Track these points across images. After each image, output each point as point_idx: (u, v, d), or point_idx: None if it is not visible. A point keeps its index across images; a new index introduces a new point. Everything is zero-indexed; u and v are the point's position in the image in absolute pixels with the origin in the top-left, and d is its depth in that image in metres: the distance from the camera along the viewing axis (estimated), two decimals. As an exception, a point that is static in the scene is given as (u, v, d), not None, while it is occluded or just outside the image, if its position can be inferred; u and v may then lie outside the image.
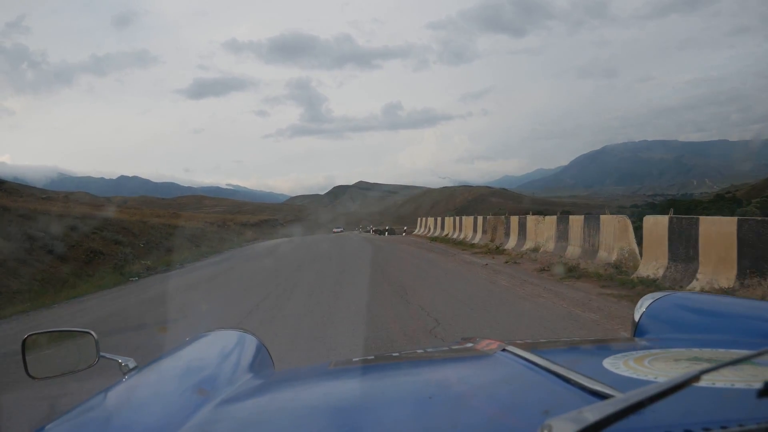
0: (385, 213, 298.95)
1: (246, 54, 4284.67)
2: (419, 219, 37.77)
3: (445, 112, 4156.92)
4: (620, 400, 0.52)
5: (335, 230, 71.48)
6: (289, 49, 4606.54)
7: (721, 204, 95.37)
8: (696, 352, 1.14)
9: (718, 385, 0.80)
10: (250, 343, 1.51)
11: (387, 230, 52.46)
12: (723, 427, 0.60)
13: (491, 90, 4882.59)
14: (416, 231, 35.83)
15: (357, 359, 1.43)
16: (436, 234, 29.53)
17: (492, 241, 20.39)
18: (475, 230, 23.35)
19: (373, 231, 54.84)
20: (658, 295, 1.77)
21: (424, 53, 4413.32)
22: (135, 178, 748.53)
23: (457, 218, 27.68)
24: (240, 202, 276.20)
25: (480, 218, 23.41)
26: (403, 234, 39.94)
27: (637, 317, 1.69)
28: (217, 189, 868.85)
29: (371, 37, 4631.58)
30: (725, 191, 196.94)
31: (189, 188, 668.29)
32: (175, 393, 1.13)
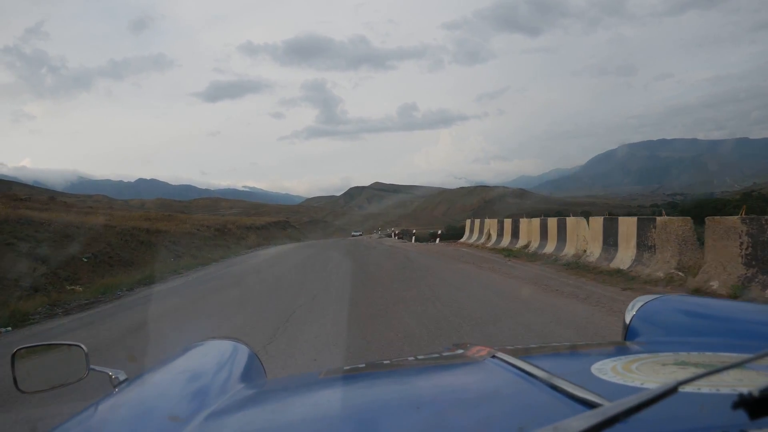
0: (402, 214, 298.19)
1: (261, 56, 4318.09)
2: (468, 221, 25.50)
3: (461, 112, 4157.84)
4: (598, 412, 0.52)
5: (354, 234, 69.07)
6: (304, 50, 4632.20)
7: (751, 203, 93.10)
8: (684, 356, 1.14)
9: (704, 390, 0.81)
10: (243, 353, 1.50)
11: (413, 234, 45.19)
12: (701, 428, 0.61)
13: (507, 90, 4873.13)
14: (465, 238, 24.34)
15: (348, 368, 1.42)
16: (504, 244, 18.52)
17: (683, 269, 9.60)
18: (611, 243, 11.81)
19: (396, 235, 45.89)
20: (649, 297, 1.77)
21: (438, 53, 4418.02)
22: (153, 180, 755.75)
23: (545, 221, 16.19)
24: (256, 203, 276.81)
25: (598, 220, 12.71)
26: (437, 240, 29.62)
27: (628, 319, 1.69)
28: (234, 191, 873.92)
29: (386, 38, 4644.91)
30: (750, 189, 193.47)
31: (206, 190, 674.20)
32: (166, 405, 1.12)
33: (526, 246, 16.71)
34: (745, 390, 0.54)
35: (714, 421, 0.65)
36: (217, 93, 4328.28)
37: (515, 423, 0.76)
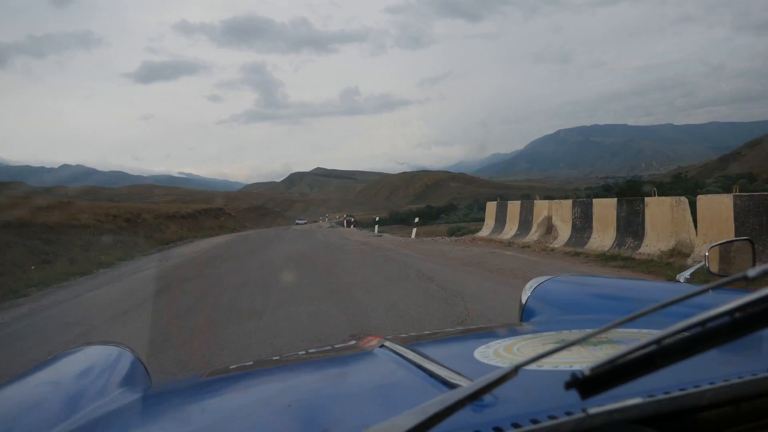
0: (344, 200, 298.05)
1: (198, 36, 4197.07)
2: (493, 205, 17.50)
3: (403, 97, 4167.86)
4: (437, 402, 0.52)
5: (298, 222, 64.39)
6: (243, 31, 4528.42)
7: (684, 184, 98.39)
8: (565, 334, 1.19)
9: (561, 368, 0.84)
10: (125, 357, 1.43)
11: (353, 221, 44.00)
12: (550, 417, 0.63)
13: (448, 75, 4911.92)
14: (487, 231, 16.88)
15: (234, 366, 1.42)
16: (603, 245, 10.92)
17: None
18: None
19: (352, 224, 42.45)
20: (544, 277, 1.81)
21: (381, 37, 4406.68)
22: (79, 167, 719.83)
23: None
24: (193, 190, 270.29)
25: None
26: (413, 233, 22.42)
27: (524, 299, 1.71)
28: (169, 178, 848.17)
29: (328, 20, 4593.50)
30: (677, 172, 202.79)
31: (139, 177, 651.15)
32: (33, 413, 1.06)
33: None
34: (578, 368, 0.56)
35: (553, 401, 0.66)
36: (150, 74, 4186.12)
37: (382, 412, 0.79)
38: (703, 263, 1.84)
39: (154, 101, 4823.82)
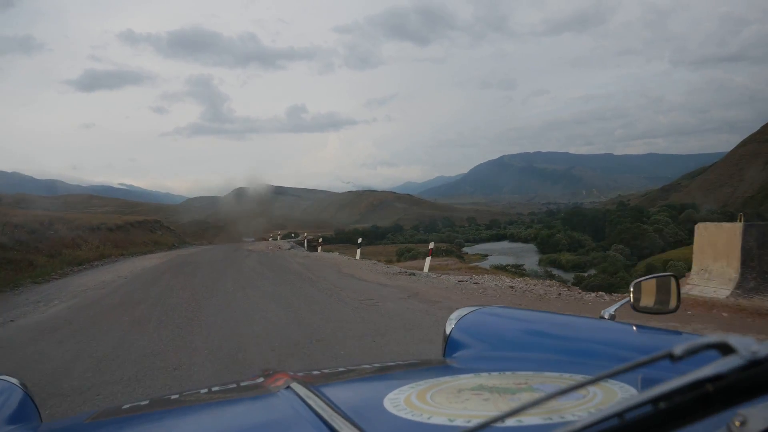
0: (289, 217, 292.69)
1: (143, 46, 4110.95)
2: (718, 231, 8.79)
3: (350, 116, 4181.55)
4: None
5: (245, 240, 58.77)
6: (190, 44, 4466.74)
7: (630, 213, 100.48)
8: (484, 378, 1.14)
9: (457, 423, 0.82)
10: (14, 393, 1.33)
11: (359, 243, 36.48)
12: None
13: (396, 96, 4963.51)
14: (700, 276, 8.85)
15: (126, 407, 1.30)
16: None
17: None
18: None
19: (318, 244, 32.83)
20: (470, 308, 1.78)
21: (329, 56, 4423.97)
22: (14, 174, 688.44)
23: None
24: (133, 202, 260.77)
25: None
26: (426, 265, 15.51)
27: (448, 331, 1.69)
28: (109, 188, 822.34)
29: (276, 36, 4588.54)
30: (620, 200, 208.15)
31: (77, 187, 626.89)
32: None
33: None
34: None
35: None
36: (93, 82, 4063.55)
37: None
38: (626, 299, 1.83)
39: (96, 110, 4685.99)
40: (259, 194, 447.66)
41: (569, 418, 0.56)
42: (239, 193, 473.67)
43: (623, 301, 1.84)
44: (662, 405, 0.49)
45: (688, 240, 78.50)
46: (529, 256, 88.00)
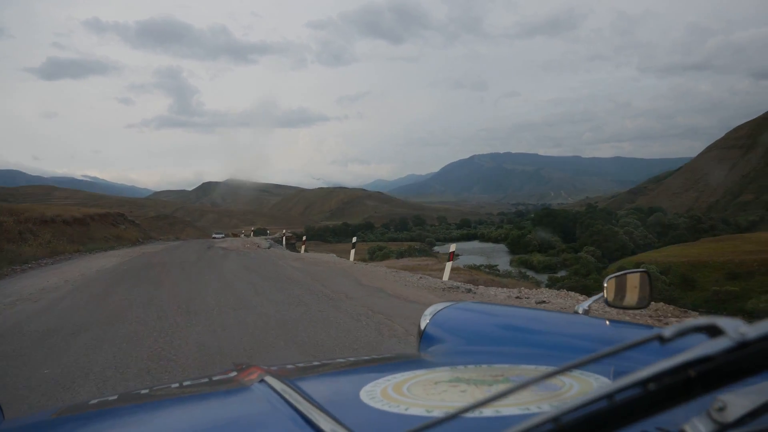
0: (258, 213, 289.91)
1: (110, 35, 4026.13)
2: None
3: (321, 113, 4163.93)
4: None
5: (215, 236, 54.58)
6: (160, 34, 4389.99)
7: (600, 215, 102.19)
8: (460, 370, 1.13)
9: (435, 414, 0.81)
10: None
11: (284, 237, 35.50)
12: None
13: (368, 94, 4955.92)
14: None
15: (93, 402, 1.27)
16: None
17: None
18: None
19: (296, 241, 33.54)
20: (444, 303, 1.79)
21: (302, 52, 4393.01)
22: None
23: None
24: (96, 194, 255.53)
25: None
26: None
27: (423, 326, 1.70)
28: (71, 180, 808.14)
29: (248, 30, 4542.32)
30: (588, 203, 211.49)
31: (38, 178, 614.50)
32: None
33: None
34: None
35: None
36: (56, 70, 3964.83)
37: None
38: (601, 294, 1.86)
39: (59, 99, 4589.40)
40: (227, 189, 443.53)
41: (546, 408, 0.54)
42: (206, 188, 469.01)
43: (597, 296, 1.87)
44: (652, 386, 0.48)
45: (657, 243, 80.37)
46: (499, 257, 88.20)
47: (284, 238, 34.92)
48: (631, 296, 1.90)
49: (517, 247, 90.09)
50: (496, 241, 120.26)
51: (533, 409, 0.79)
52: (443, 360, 1.33)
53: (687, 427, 0.56)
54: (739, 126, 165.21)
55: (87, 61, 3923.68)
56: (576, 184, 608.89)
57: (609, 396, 0.48)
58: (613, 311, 1.96)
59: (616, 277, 1.90)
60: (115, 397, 1.27)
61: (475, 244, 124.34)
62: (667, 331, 0.49)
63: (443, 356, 1.43)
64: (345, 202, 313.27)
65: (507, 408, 0.80)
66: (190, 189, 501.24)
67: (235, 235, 58.12)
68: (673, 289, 42.29)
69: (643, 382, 0.48)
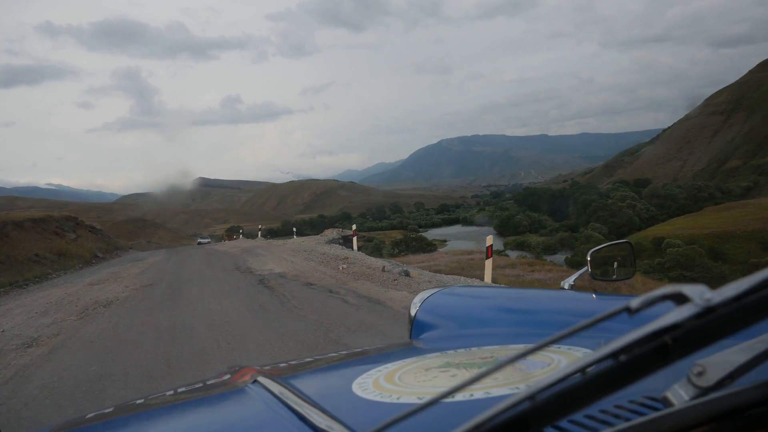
0: (231, 210, 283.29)
1: (64, 39, 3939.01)
2: None
3: (286, 106, 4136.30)
4: None
5: (201, 241, 48.75)
6: (115, 35, 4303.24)
7: (586, 190, 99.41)
8: (450, 355, 1.14)
9: (458, 398, 0.81)
10: None
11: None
12: None
13: (332, 84, 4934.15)
14: None
15: (90, 415, 1.26)
16: None
17: None
18: None
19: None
20: (432, 290, 1.79)
21: (263, 45, 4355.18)
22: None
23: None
24: (62, 202, 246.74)
25: None
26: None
27: (413, 313, 1.70)
28: (35, 189, 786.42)
29: (206, 26, 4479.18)
30: (560, 180, 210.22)
31: (1, 189, 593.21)
32: None
33: None
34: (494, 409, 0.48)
35: None
36: (11, 78, 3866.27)
37: None
38: (585, 268, 1.86)
39: (17, 107, 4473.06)
40: (196, 189, 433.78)
41: (524, 391, 0.53)
42: (175, 189, 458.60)
43: (581, 270, 1.85)
44: (623, 358, 0.48)
45: (660, 215, 77.93)
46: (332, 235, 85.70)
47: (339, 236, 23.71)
48: (616, 268, 1.91)
49: (506, 228, 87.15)
50: (480, 224, 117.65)
51: (522, 387, 0.79)
52: (435, 346, 1.34)
53: (669, 394, 0.57)
54: (717, 92, 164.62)
55: (42, 66, 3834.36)
56: (545, 162, 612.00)
57: (582, 370, 0.48)
58: (600, 283, 1.89)
59: (598, 249, 1.90)
60: (111, 409, 1.28)
61: (459, 228, 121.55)
62: (635, 302, 0.49)
63: (435, 342, 1.42)
64: (317, 194, 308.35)
65: (497, 389, 0.81)
66: (157, 191, 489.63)
67: (229, 238, 48.25)
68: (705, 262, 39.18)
69: (614, 354, 0.48)
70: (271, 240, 31.78)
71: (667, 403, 0.58)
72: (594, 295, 1.49)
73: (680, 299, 0.49)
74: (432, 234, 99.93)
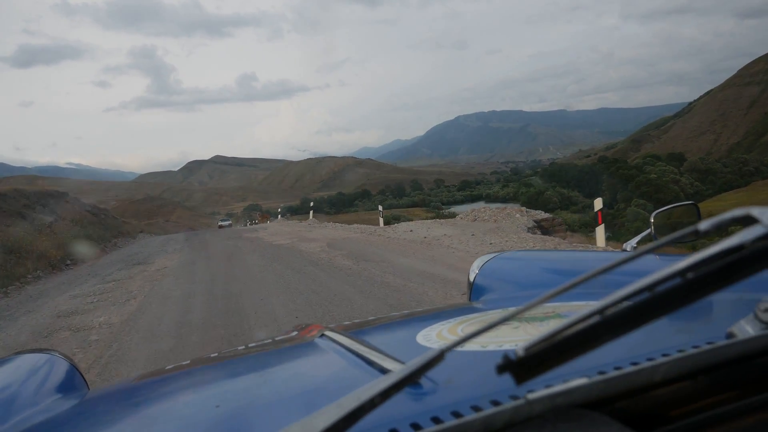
0: (248, 188, 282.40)
1: (80, 18, 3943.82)
2: None
3: (302, 83, 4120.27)
4: (351, 398, 0.47)
5: (222, 223, 46.36)
6: (131, 13, 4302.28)
7: (617, 164, 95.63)
8: (511, 311, 1.05)
9: (490, 348, 0.81)
10: (59, 364, 1.37)
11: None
12: (493, 402, 0.58)
13: (347, 61, 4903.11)
14: None
15: (170, 367, 1.33)
16: None
17: None
18: None
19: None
20: (491, 254, 1.81)
21: (278, 21, 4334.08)
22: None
23: None
24: (82, 181, 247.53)
25: None
26: None
27: (471, 278, 1.71)
28: (56, 168, 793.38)
29: (221, 2, 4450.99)
30: (584, 154, 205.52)
31: (22, 168, 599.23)
32: None
33: None
34: (510, 349, 0.50)
35: (485, 387, 0.60)
36: (29, 58, 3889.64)
37: (312, 406, 0.65)
38: (649, 230, 1.81)
39: (35, 87, 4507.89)
40: (213, 167, 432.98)
41: (593, 307, 0.55)
42: (192, 167, 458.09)
43: (645, 233, 1.81)
44: (690, 275, 0.49)
45: (706, 191, 74.66)
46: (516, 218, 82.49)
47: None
48: (681, 230, 1.75)
49: (534, 205, 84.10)
50: (504, 200, 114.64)
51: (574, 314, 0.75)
52: (495, 305, 1.36)
53: (734, 329, 0.57)
54: (752, 62, 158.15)
55: (59, 45, 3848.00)
56: (563, 138, 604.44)
57: (650, 287, 0.49)
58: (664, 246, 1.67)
59: (663, 210, 1.85)
60: (188, 362, 1.33)
61: (483, 205, 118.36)
62: (704, 225, 0.50)
63: (493, 303, 1.43)
64: (335, 171, 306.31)
65: (508, 343, 0.83)
66: (175, 169, 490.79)
67: (263, 219, 43.18)
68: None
69: (682, 272, 0.49)
70: (321, 221, 23.70)
71: (732, 337, 0.59)
72: (657, 257, 1.46)
73: (749, 221, 0.50)
74: (456, 211, 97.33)
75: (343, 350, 0.97)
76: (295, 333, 1.41)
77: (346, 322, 1.42)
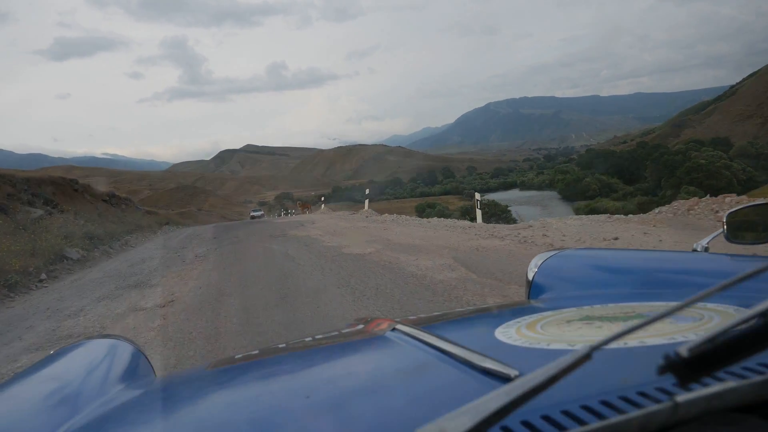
0: (279, 177, 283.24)
1: (112, 9, 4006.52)
2: None
3: (331, 71, 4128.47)
4: (509, 389, 0.45)
5: (254, 214, 44.92)
6: (162, 4, 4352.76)
7: (660, 150, 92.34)
8: (587, 310, 1.12)
9: (616, 346, 0.78)
10: (125, 350, 1.38)
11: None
12: (621, 397, 0.56)
13: (377, 48, 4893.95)
14: None
15: (239, 356, 1.31)
16: None
17: None
18: None
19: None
20: (549, 253, 1.77)
21: (306, 9, 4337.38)
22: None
23: None
24: (117, 171, 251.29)
25: None
26: None
27: (530, 276, 1.68)
28: (92, 159, 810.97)
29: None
30: (620, 140, 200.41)
31: (60, 159, 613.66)
32: (32, 413, 1.02)
33: None
34: (671, 350, 0.47)
35: (638, 383, 0.59)
36: (65, 51, 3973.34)
37: (421, 404, 0.70)
38: (720, 230, 1.76)
39: (71, 79, 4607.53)
40: (244, 156, 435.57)
41: (692, 337, 0.53)
42: (224, 156, 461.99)
43: (717, 232, 1.76)
44: None
45: (760, 177, 71.37)
46: (554, 205, 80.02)
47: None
48: (755, 230, 1.75)
49: (572, 193, 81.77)
50: (539, 188, 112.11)
51: (678, 338, 0.77)
52: (561, 303, 1.29)
53: None
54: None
55: (93, 38, 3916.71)
56: (596, 124, 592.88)
57: (764, 314, 0.46)
58: (736, 247, 1.75)
59: (738, 210, 1.78)
60: (257, 351, 1.32)
61: (517, 193, 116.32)
62: None
63: (555, 302, 1.38)
64: (366, 159, 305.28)
65: (651, 339, 0.79)
66: (208, 159, 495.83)
67: (304, 209, 39.36)
68: None
69: None
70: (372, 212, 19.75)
71: None
72: (730, 258, 1.41)
73: None
74: (491, 199, 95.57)
75: (423, 345, 0.95)
76: (361, 326, 1.36)
77: (411, 317, 1.38)
